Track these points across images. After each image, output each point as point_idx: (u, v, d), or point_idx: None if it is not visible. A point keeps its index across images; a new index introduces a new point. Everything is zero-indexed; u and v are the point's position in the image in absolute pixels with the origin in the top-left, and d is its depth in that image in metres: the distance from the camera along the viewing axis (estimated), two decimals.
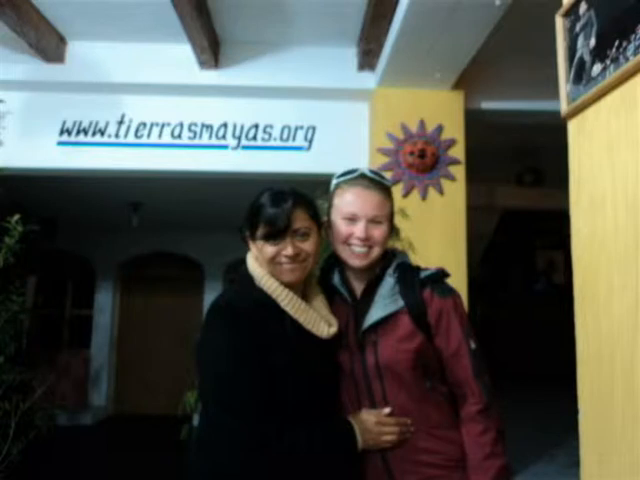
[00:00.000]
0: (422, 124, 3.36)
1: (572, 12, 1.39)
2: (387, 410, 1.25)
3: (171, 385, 6.18)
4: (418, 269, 1.37)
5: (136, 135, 3.60)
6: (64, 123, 3.57)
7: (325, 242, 1.39)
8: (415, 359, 1.26)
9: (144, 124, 3.61)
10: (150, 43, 3.52)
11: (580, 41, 1.35)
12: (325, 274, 1.44)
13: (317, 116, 3.64)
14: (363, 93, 3.54)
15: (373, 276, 1.35)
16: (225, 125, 3.62)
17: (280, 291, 1.28)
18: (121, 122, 3.60)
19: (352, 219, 1.32)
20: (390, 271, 1.35)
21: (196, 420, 1.48)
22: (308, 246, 1.29)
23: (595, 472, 1.29)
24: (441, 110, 3.40)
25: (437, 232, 3.29)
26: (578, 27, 1.36)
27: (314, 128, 3.62)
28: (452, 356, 1.28)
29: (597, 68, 1.27)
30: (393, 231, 1.39)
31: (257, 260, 1.32)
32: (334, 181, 1.41)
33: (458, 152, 3.38)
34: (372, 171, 1.38)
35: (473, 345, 1.29)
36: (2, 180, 2.99)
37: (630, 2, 1.16)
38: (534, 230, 8.25)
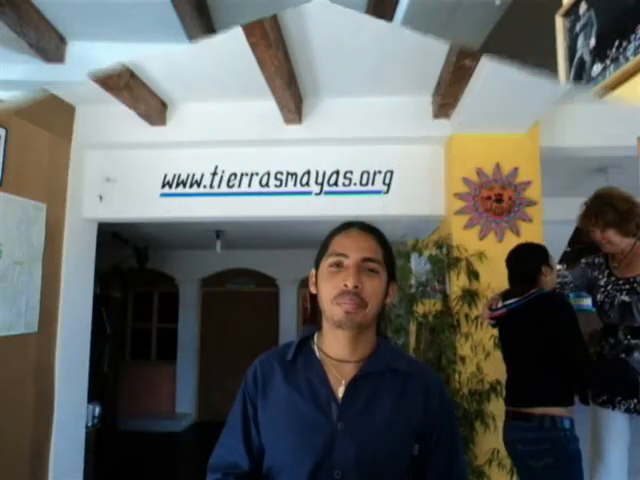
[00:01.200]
0: (498, 168, 3.35)
1: (572, 12, 1.39)
2: None
3: None
4: None
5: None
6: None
7: None
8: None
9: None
10: (150, 43, 3.52)
11: (580, 41, 1.35)
12: None
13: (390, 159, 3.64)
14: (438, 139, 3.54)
15: None
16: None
17: None
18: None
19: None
20: None
21: None
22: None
23: None
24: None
25: None
26: (578, 27, 1.36)
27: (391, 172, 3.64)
28: None
29: (597, 68, 1.27)
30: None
31: None
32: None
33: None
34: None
35: None
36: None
37: (630, 2, 1.16)
38: None
